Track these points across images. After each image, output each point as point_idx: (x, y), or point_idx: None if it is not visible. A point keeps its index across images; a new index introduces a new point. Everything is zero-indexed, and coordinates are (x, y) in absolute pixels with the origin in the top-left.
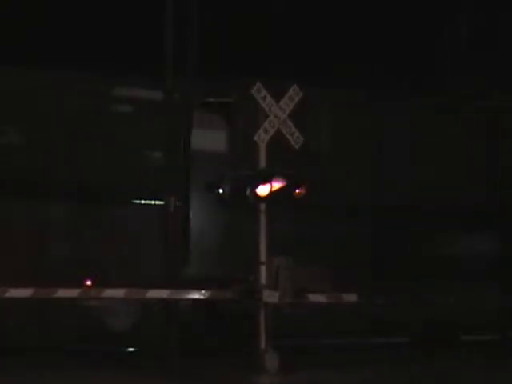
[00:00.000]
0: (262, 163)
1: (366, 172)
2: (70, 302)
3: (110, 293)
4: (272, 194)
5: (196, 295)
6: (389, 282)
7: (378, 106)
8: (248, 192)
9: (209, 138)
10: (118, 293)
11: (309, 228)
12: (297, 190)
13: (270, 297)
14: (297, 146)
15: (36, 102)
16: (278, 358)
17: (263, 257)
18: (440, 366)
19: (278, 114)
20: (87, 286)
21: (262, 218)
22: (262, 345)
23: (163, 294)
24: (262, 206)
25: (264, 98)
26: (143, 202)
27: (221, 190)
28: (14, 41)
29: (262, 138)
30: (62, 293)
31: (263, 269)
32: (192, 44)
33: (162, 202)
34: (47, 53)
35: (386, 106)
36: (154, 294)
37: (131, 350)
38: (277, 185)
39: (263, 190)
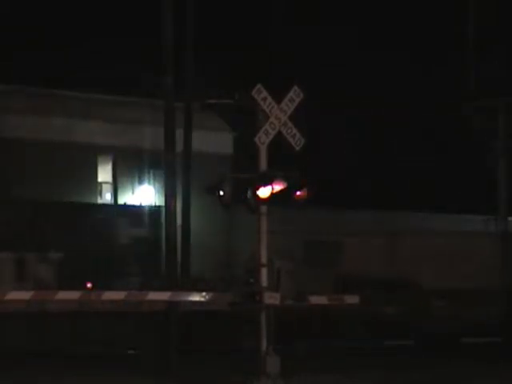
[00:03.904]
0: (263, 165)
1: None
2: None
3: (109, 295)
4: (273, 196)
5: (197, 297)
6: None
7: None
8: (249, 194)
9: None
10: (119, 295)
11: None
12: (297, 193)
13: (271, 299)
14: (298, 148)
15: None
16: (279, 360)
17: (264, 259)
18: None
19: (278, 115)
20: (87, 288)
21: (263, 221)
22: (263, 347)
23: (163, 296)
24: (263, 209)
25: (265, 99)
26: None
27: (221, 193)
28: None
29: (263, 140)
30: (63, 295)
31: (264, 271)
32: None
33: None
34: None
35: None
36: (154, 296)
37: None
38: (278, 187)
39: (264, 193)
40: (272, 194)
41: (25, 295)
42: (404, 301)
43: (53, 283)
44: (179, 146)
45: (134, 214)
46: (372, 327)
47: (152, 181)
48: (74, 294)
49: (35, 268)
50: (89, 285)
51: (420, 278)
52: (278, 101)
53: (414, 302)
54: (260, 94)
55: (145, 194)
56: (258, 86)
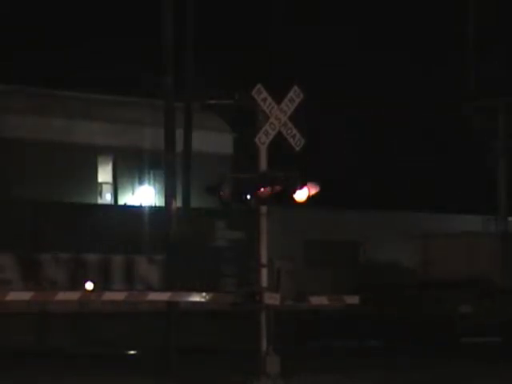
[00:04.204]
0: (263, 165)
1: None
2: None
3: (110, 296)
4: (273, 196)
5: (197, 298)
6: None
7: None
8: (249, 195)
9: None
10: (119, 296)
11: None
12: (297, 193)
13: (272, 299)
14: (298, 149)
15: None
16: (279, 360)
17: (264, 259)
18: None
19: (278, 115)
20: (87, 288)
21: (263, 221)
22: (263, 347)
23: (164, 296)
24: (263, 209)
25: (265, 99)
26: None
27: (221, 193)
28: None
29: (263, 140)
30: (62, 296)
31: (264, 271)
32: None
33: None
34: None
35: None
36: (154, 296)
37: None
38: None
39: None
40: (272, 194)
41: (25, 296)
42: (484, 300)
43: (158, 284)
44: (179, 146)
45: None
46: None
47: (152, 181)
48: (74, 295)
49: (143, 269)
50: (89, 284)
51: (494, 277)
52: (278, 101)
53: (492, 300)
54: (260, 94)
55: (145, 195)
56: (258, 86)
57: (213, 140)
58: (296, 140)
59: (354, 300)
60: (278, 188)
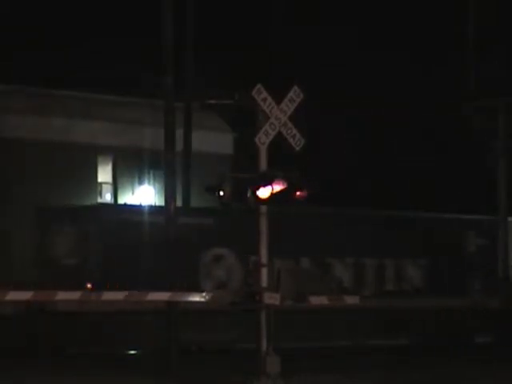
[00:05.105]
0: (263, 165)
1: None
2: None
3: (109, 296)
4: (273, 196)
5: (197, 298)
6: None
7: None
8: (249, 194)
9: None
10: (118, 295)
11: None
12: (297, 193)
13: (271, 299)
14: (298, 148)
15: None
16: (279, 360)
17: (264, 259)
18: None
19: (278, 115)
20: (87, 288)
21: (263, 221)
22: (263, 347)
23: (163, 296)
24: (263, 209)
25: (265, 99)
26: None
27: (221, 193)
28: None
29: (263, 140)
30: (62, 295)
31: (264, 271)
32: None
33: None
34: None
35: None
36: (154, 296)
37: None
38: (278, 187)
39: (264, 193)
40: (272, 194)
41: (25, 295)
42: None
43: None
44: (179, 146)
45: (478, 225)
46: None
47: (152, 181)
48: (74, 294)
49: (407, 272)
50: (89, 285)
51: None
52: (278, 101)
53: None
54: (260, 94)
55: (145, 194)
56: (258, 86)
57: (213, 140)
58: (296, 140)
59: (354, 300)
60: (278, 188)
